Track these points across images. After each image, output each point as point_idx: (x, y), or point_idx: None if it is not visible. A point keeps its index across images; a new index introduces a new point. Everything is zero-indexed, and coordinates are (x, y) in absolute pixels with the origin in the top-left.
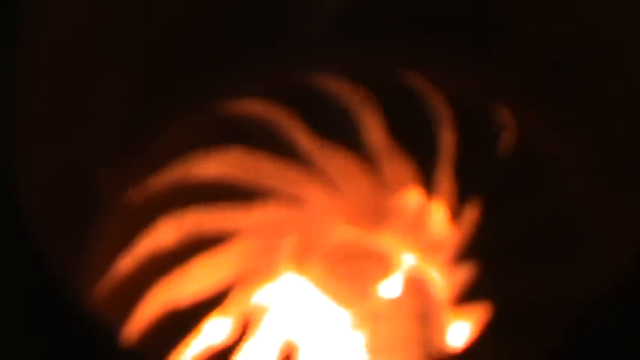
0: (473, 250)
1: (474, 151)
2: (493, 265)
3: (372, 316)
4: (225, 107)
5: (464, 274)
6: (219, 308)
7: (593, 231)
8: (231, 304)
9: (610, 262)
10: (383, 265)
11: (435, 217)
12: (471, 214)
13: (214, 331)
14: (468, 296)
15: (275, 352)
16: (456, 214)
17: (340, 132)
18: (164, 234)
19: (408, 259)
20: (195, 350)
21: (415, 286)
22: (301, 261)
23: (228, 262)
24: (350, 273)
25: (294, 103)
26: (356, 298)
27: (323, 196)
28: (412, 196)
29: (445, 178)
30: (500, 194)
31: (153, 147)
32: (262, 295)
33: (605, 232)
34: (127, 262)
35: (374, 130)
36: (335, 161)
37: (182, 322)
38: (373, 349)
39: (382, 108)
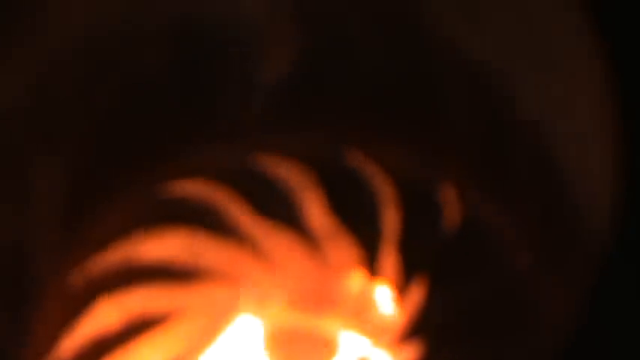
0: (419, 328)
1: (418, 229)
2: (439, 343)
3: None
4: (167, 188)
5: (411, 354)
6: None
7: (535, 305)
8: None
9: (552, 334)
10: (328, 349)
11: (380, 298)
12: (417, 292)
13: None
14: None
15: None
16: (401, 293)
17: (283, 212)
18: (106, 316)
19: (355, 342)
20: None
21: None
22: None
23: (171, 342)
24: (294, 356)
25: (235, 183)
26: None
27: (265, 277)
28: (356, 278)
29: (389, 258)
30: (445, 271)
31: (93, 229)
32: None
33: (546, 305)
34: (69, 345)
35: (317, 210)
36: (277, 242)
37: None
38: None
39: (325, 187)
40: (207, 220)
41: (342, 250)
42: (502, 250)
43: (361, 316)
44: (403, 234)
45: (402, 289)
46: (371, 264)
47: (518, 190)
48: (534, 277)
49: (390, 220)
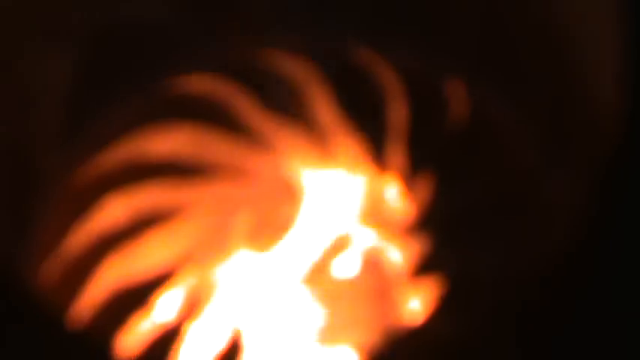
0: (426, 223)
1: (425, 125)
2: (446, 238)
3: (328, 294)
4: (174, 84)
5: (418, 247)
6: (169, 285)
7: (543, 203)
8: (182, 281)
9: (558, 234)
10: (337, 242)
11: (388, 192)
12: (424, 187)
13: (164, 309)
14: (422, 270)
15: (223, 335)
16: (408, 187)
17: (290, 107)
18: (113, 211)
19: (364, 234)
20: (145, 328)
21: (372, 262)
22: (254, 237)
23: (179, 238)
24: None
25: (243, 78)
26: (312, 275)
27: (273, 172)
28: (363, 172)
29: (397, 152)
30: (451, 167)
31: (99, 126)
32: (214, 272)
33: (554, 204)
34: (76, 240)
35: (324, 105)
36: (285, 136)
37: (132, 300)
38: (330, 326)
39: (332, 83)
40: (215, 116)
41: (349, 144)
42: (510, 147)
43: (369, 209)
44: (410, 129)
45: (408, 184)
46: (378, 159)
47: (526, 85)
48: (542, 175)
49: (397, 116)
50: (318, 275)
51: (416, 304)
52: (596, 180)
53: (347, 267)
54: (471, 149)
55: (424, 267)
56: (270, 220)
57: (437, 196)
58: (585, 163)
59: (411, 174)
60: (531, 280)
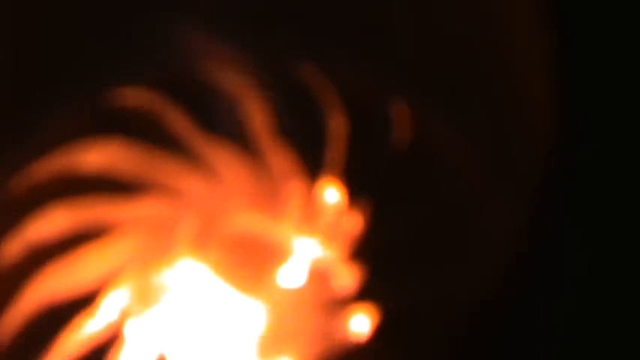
0: (362, 249)
1: (366, 145)
2: (383, 266)
3: (271, 305)
4: (111, 96)
5: (356, 273)
6: (97, 304)
7: (484, 229)
8: (119, 291)
9: (497, 260)
10: (282, 253)
11: (328, 205)
12: (361, 213)
13: (92, 327)
14: (360, 297)
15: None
16: (347, 207)
17: (225, 124)
18: (46, 225)
19: (309, 247)
20: (71, 348)
21: (317, 274)
22: (197, 247)
23: (112, 255)
24: (248, 260)
25: (177, 94)
26: (255, 285)
27: (207, 189)
28: (301, 187)
29: (334, 175)
30: (392, 190)
31: (34, 136)
32: (153, 283)
33: (492, 231)
34: (9, 250)
35: (261, 122)
36: (219, 152)
37: (60, 317)
38: (272, 338)
39: (271, 99)
40: (148, 131)
41: (287, 162)
42: (452, 170)
43: (310, 221)
44: (350, 150)
45: (347, 205)
46: (316, 177)
47: (468, 108)
48: (482, 200)
49: (337, 135)
50: (261, 285)
51: (360, 324)
52: (532, 205)
53: (292, 278)
54: (413, 171)
55: (361, 294)
56: (211, 231)
57: (374, 221)
58: (524, 187)
59: (349, 199)
60: (467, 310)
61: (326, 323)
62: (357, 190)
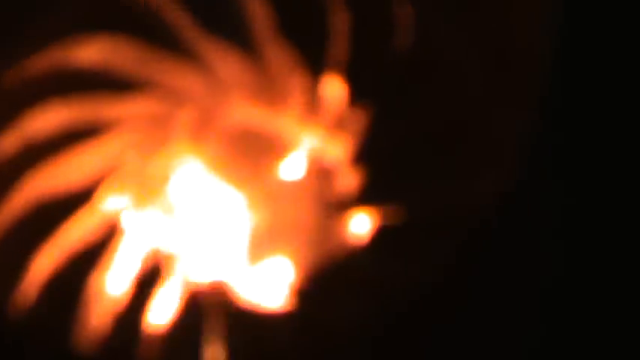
0: (363, 154)
1: (369, 46)
2: (384, 172)
3: (271, 198)
4: None
5: (360, 171)
6: (95, 201)
7: (487, 138)
8: (108, 193)
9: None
10: (283, 146)
11: (332, 101)
12: (361, 117)
13: (87, 224)
14: (360, 201)
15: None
16: (345, 116)
17: (224, 22)
18: (42, 120)
19: (310, 142)
20: (66, 244)
21: (318, 171)
22: (195, 140)
23: (113, 150)
24: (248, 153)
25: None
26: (254, 178)
27: (205, 85)
28: (303, 82)
29: (337, 71)
30: (394, 96)
31: (27, 31)
32: (148, 181)
33: (498, 140)
34: (2, 146)
35: (262, 17)
36: (219, 51)
37: (55, 214)
38: (268, 235)
39: None
40: (147, 28)
41: (288, 57)
42: (457, 76)
43: (313, 116)
44: (354, 48)
45: (350, 102)
46: (319, 73)
47: (474, 12)
48: (486, 108)
49: (340, 31)
50: (261, 178)
51: (360, 226)
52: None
53: (292, 171)
54: (415, 75)
55: (362, 199)
56: (210, 124)
57: (376, 125)
58: (526, 98)
59: (352, 96)
60: (471, 220)
61: (324, 222)
62: (360, 88)
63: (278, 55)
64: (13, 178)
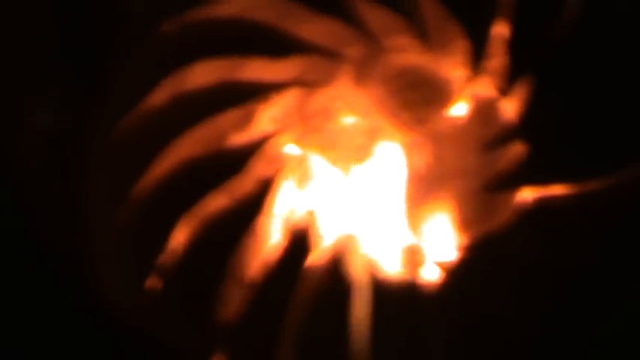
0: (526, 128)
1: (533, 27)
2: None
3: (434, 139)
4: None
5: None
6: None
7: None
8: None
9: None
10: (447, 91)
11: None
12: (523, 90)
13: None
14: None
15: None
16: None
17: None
18: (198, 76)
19: (472, 86)
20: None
21: (482, 113)
22: (362, 79)
23: (266, 116)
24: (412, 98)
25: None
26: (417, 119)
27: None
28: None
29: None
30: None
31: None
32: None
33: None
34: (157, 97)
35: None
36: (382, 19)
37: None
38: (432, 174)
39: None
40: None
41: (448, 31)
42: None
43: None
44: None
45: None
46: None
47: None
48: None
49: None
50: (424, 119)
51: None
52: None
53: (455, 113)
54: (579, 52)
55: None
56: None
57: (536, 100)
58: None
59: (512, 74)
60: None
61: (488, 163)
62: (520, 67)
63: (441, 28)
64: (164, 136)
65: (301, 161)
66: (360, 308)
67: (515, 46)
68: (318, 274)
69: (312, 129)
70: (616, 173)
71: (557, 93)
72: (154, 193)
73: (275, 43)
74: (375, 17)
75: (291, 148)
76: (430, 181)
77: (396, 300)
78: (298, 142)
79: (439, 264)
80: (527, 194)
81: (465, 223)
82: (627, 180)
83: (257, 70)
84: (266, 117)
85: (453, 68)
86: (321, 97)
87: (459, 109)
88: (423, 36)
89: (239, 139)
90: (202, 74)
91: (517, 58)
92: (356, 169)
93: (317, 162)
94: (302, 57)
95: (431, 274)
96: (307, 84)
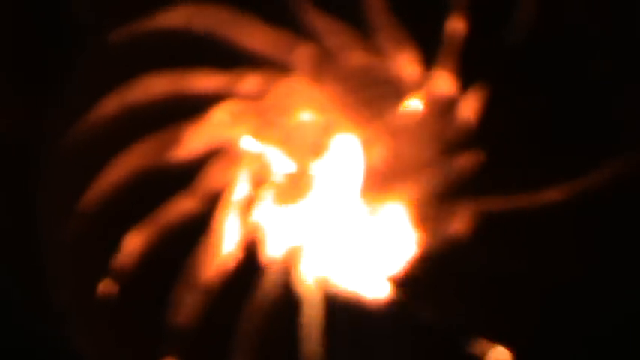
0: (480, 137)
1: (486, 29)
2: (504, 155)
3: (390, 134)
4: None
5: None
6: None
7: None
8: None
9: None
10: (400, 88)
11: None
12: (476, 99)
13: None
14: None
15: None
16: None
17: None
18: (145, 87)
19: (427, 83)
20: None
21: (437, 109)
22: (316, 77)
23: (217, 124)
24: (368, 95)
25: None
26: (374, 115)
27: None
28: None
29: (449, 58)
30: (511, 76)
31: None
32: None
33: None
34: (105, 108)
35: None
36: (334, 35)
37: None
38: (389, 169)
39: None
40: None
41: (398, 40)
42: (582, 57)
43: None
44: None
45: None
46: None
47: None
48: (613, 89)
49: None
50: (381, 115)
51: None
52: None
53: (411, 108)
54: (533, 56)
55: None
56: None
57: (493, 108)
58: None
59: (464, 80)
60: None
61: (444, 159)
62: (473, 72)
63: (390, 37)
64: (113, 147)
65: (258, 157)
66: (310, 317)
67: (472, 44)
68: (273, 280)
69: (267, 123)
70: (574, 177)
71: (517, 92)
72: (103, 202)
73: (222, 51)
74: (322, 21)
75: (247, 143)
76: (387, 175)
77: (346, 309)
78: (254, 136)
79: (389, 277)
80: (485, 203)
81: (422, 218)
82: (586, 185)
83: (204, 80)
84: (220, 113)
85: (404, 66)
86: (276, 93)
87: (415, 106)
88: (370, 38)
89: (192, 142)
90: (150, 85)
91: (473, 56)
92: (312, 164)
93: (274, 156)
94: (249, 67)
95: (380, 286)
96: (255, 94)
